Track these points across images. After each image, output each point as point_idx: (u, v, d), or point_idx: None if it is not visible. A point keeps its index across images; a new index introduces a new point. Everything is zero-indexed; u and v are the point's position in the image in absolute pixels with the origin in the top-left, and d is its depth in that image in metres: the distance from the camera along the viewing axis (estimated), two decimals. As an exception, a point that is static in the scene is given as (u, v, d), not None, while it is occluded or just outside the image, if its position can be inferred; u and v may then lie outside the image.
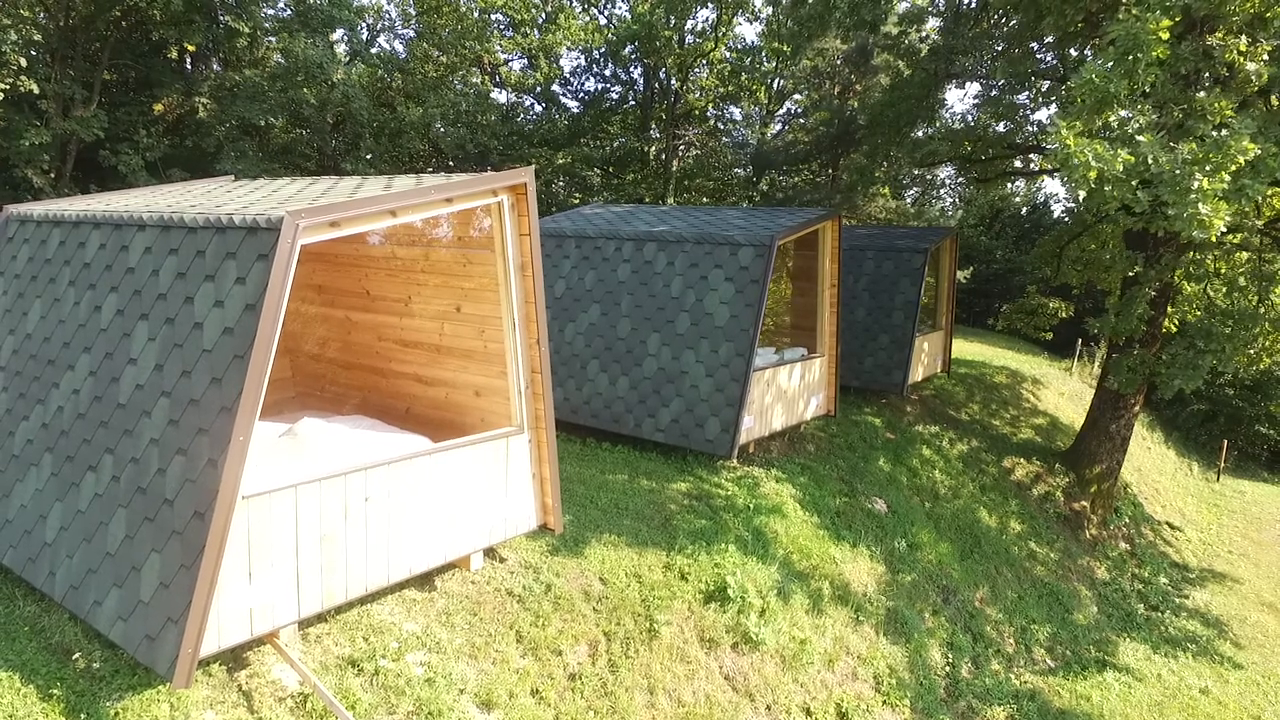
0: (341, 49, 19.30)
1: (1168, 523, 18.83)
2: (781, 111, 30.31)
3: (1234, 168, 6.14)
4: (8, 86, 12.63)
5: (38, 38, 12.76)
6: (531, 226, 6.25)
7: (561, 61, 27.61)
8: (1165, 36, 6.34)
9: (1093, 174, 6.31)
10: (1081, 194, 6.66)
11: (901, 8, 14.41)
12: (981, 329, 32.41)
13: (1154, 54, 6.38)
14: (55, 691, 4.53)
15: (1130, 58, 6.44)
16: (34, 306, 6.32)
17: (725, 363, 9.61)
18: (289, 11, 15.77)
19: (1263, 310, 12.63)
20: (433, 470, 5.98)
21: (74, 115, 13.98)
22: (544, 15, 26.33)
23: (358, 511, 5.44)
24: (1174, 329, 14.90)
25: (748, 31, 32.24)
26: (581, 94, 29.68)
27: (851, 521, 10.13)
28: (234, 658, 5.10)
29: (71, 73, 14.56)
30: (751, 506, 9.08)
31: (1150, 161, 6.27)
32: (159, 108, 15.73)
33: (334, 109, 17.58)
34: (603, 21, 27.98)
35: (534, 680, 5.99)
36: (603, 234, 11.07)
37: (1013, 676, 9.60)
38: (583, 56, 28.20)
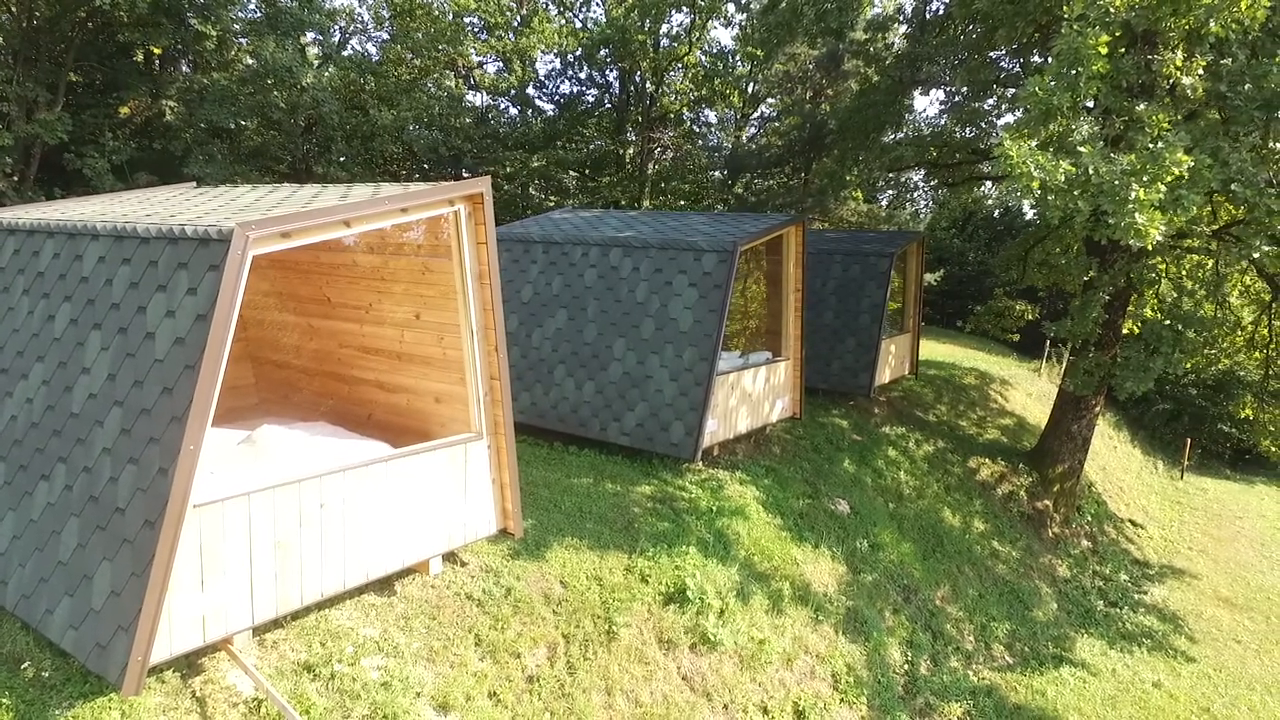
0: (313, 51, 19.20)
1: (1130, 520, 19.22)
2: (755, 115, 30.55)
3: (1169, 179, 6.39)
4: (-33, 90, 12.53)
5: (0, 41, 12.65)
6: (489, 235, 6.34)
7: (536, 65, 27.58)
8: (1104, 51, 6.56)
9: (1035, 184, 6.53)
10: (1027, 202, 6.90)
11: (869, 14, 14.60)
12: (954, 331, 32.83)
13: (1094, 68, 6.60)
14: (4, 700, 4.55)
15: (1072, 71, 6.66)
16: (-12, 315, 6.30)
17: (689, 367, 9.74)
18: (259, 14, 15.69)
19: (1214, 314, 13.00)
20: (391, 476, 6.05)
21: (37, 118, 13.84)
22: (518, 18, 26.33)
23: (313, 518, 5.50)
24: (1136, 331, 15.28)
25: (722, 35, 32.40)
26: (557, 97, 29.76)
27: (814, 523, 10.30)
28: (188, 664, 5.14)
29: (35, 73, 14.42)
30: (714, 509, 9.22)
31: (1091, 172, 6.49)
32: (125, 110, 15.60)
33: (305, 112, 17.53)
34: (578, 25, 28.04)
35: (492, 682, 6.07)
36: (570, 239, 11.17)
37: (971, 673, 9.80)
38: (557, 60, 28.26)
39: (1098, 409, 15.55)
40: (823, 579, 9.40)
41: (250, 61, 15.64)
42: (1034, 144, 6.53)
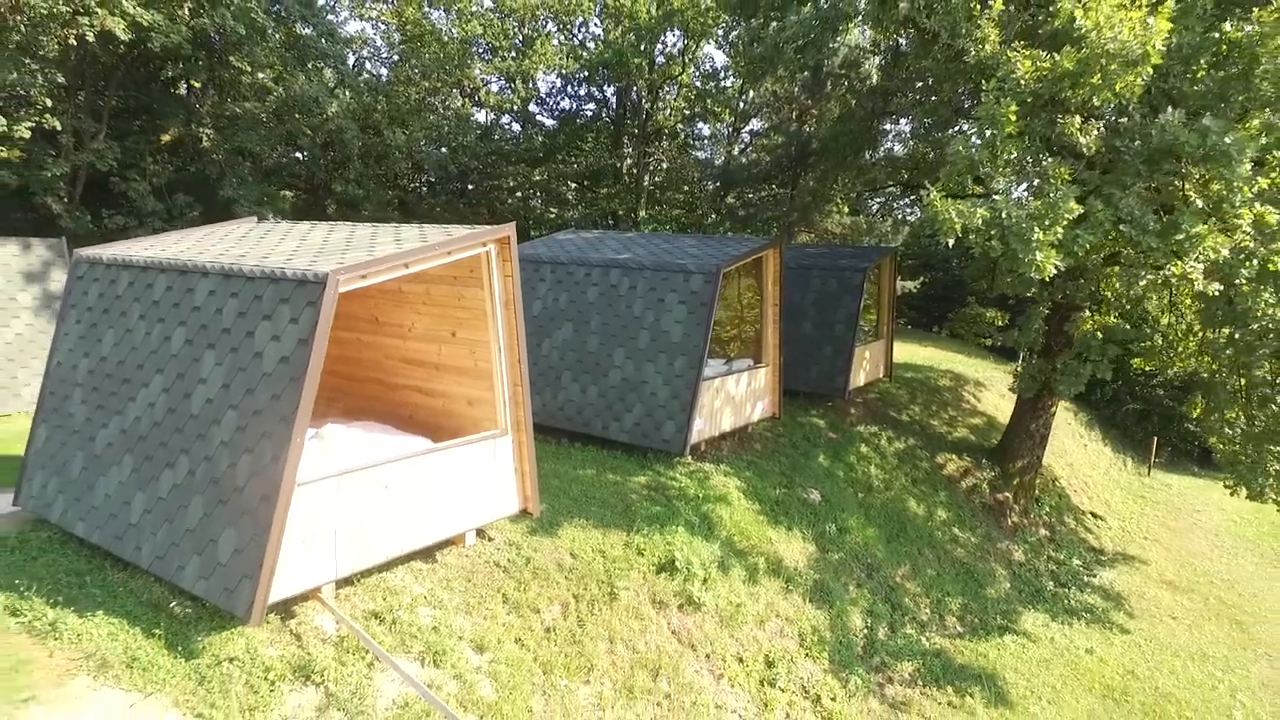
0: (329, 74, 20.66)
1: (1091, 512, 20.70)
2: (747, 129, 32.06)
3: (1064, 223, 7.85)
4: (34, 124, 13.94)
5: (61, 79, 14.07)
6: (513, 269, 7.82)
7: (538, 83, 29.03)
8: (1014, 118, 8.04)
9: (958, 226, 8.00)
10: (950, 241, 8.36)
11: (843, 53, 16.08)
12: (937, 335, 34.35)
13: (1007, 130, 8.07)
14: (156, 631, 6.01)
15: (990, 133, 8.13)
16: (107, 335, 7.76)
17: (679, 373, 11.22)
18: (285, 48, 17.12)
19: (1169, 323, 14.46)
20: (435, 464, 7.52)
21: (91, 147, 15.27)
22: (520, 38, 27.78)
23: (379, 496, 6.97)
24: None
25: (715, 54, 33.82)
26: (557, 112, 31.22)
27: (788, 509, 11.79)
28: (284, 610, 6.59)
29: (80, 100, 15.84)
30: (701, 496, 10.70)
31: (1004, 216, 7.95)
32: (166, 138, 17.04)
33: (324, 134, 18.98)
34: (577, 42, 29.49)
35: (517, 631, 7.54)
36: (574, 260, 12.64)
37: (923, 639, 11.29)
38: (558, 78, 29.71)
39: (1054, 409, 17.05)
40: (794, 556, 10.89)
41: (279, 91, 17.05)
42: (953, 194, 8.02)
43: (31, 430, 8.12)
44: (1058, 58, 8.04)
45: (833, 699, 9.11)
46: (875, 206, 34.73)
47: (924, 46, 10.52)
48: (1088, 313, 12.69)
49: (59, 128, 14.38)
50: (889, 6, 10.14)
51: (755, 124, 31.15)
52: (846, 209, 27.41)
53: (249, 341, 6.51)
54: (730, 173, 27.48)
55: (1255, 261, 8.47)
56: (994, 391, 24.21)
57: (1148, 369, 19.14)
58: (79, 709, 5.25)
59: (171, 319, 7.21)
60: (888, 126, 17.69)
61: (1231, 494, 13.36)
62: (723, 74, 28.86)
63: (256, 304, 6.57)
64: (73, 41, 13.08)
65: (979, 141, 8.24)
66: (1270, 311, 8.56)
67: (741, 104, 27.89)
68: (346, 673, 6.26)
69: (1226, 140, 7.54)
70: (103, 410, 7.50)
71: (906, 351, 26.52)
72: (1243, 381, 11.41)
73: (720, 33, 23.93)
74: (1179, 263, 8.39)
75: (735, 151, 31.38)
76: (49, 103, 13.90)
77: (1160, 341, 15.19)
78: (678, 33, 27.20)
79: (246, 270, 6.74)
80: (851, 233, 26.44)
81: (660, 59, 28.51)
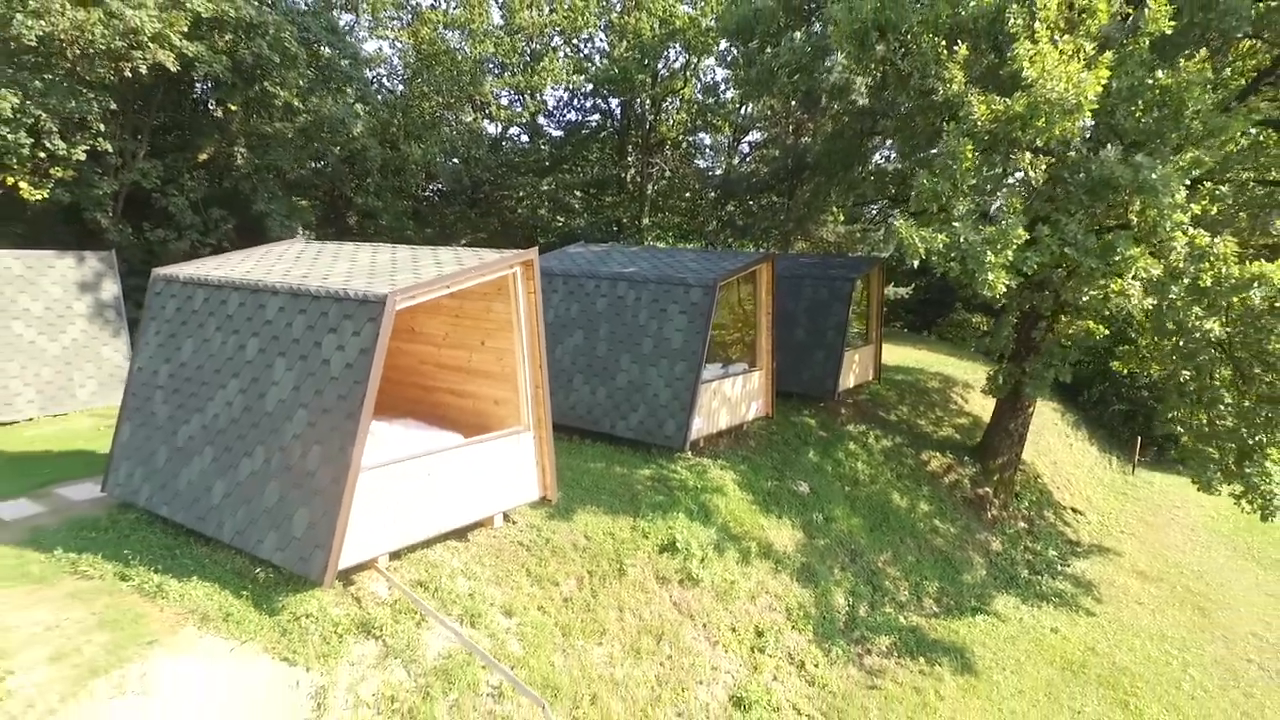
0: (350, 93, 21.90)
1: (1072, 508, 21.82)
2: (746, 140, 33.27)
3: (1014, 246, 9.03)
4: (89, 147, 15.19)
5: (114, 106, 15.30)
6: (536, 287, 9.03)
7: (545, 96, 30.22)
8: (970, 155, 9.21)
9: (921, 250, 9.18)
10: (915, 262, 9.54)
11: (834, 77, 17.24)
12: (929, 339, 35.49)
13: (965, 166, 9.25)
14: (244, 593, 7.23)
15: (950, 167, 9.31)
16: (185, 344, 8.98)
17: (680, 377, 12.42)
18: (312, 72, 18.34)
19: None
20: (469, 456, 8.74)
21: (135, 166, 16.52)
22: (529, 54, 28.99)
23: (423, 483, 8.18)
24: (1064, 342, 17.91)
25: (717, 69, 35.00)
26: (564, 123, 32.41)
27: (779, 499, 12.98)
28: (345, 577, 7.79)
29: (122, 119, 17.07)
30: (699, 487, 11.91)
31: (962, 240, 9.12)
32: (203, 157, 18.28)
33: (348, 151, 20.23)
34: (583, 55, 30.67)
35: (539, 600, 8.75)
36: (584, 273, 13.85)
37: (901, 617, 12.47)
38: (565, 92, 30.91)
39: (1031, 409, 18.22)
40: (783, 541, 12.09)
41: (305, 116, 18.28)
42: (919, 220, 9.21)
43: (117, 427, 9.33)
44: (1009, 101, 9.23)
45: (815, 665, 10.30)
46: (873, 213, 35.97)
47: (900, 83, 11.70)
48: (1065, 318, 13.82)
49: (110, 149, 15.62)
50: (867, 48, 11.32)
51: (754, 135, 32.36)
52: (842, 217, 28.57)
53: (316, 350, 7.73)
54: (730, 182, 28.68)
55: (1186, 279, 9.65)
56: (981, 393, 25.37)
57: (1127, 371, 20.29)
58: (190, 651, 6.47)
59: (245, 330, 8.43)
60: (875, 144, 18.83)
61: (1198, 489, 14.50)
62: (723, 86, 30.06)
63: (323, 319, 7.79)
64: (128, 74, 14.29)
65: (940, 176, 9.44)
66: (1199, 324, 9.72)
67: (740, 117, 29.08)
68: (399, 629, 7.47)
69: (1153, 175, 8.72)
70: (183, 409, 8.72)
71: (900, 354, 27.68)
72: (1193, 385, 12.56)
73: (721, 49, 25.08)
74: (1118, 281, 9.57)
75: (735, 161, 32.58)
76: (102, 127, 15.13)
77: (1134, 346, 16.34)
78: (679, 48, 28.41)
79: (312, 290, 7.95)
80: (846, 241, 27.61)
81: (664, 72, 29.72)
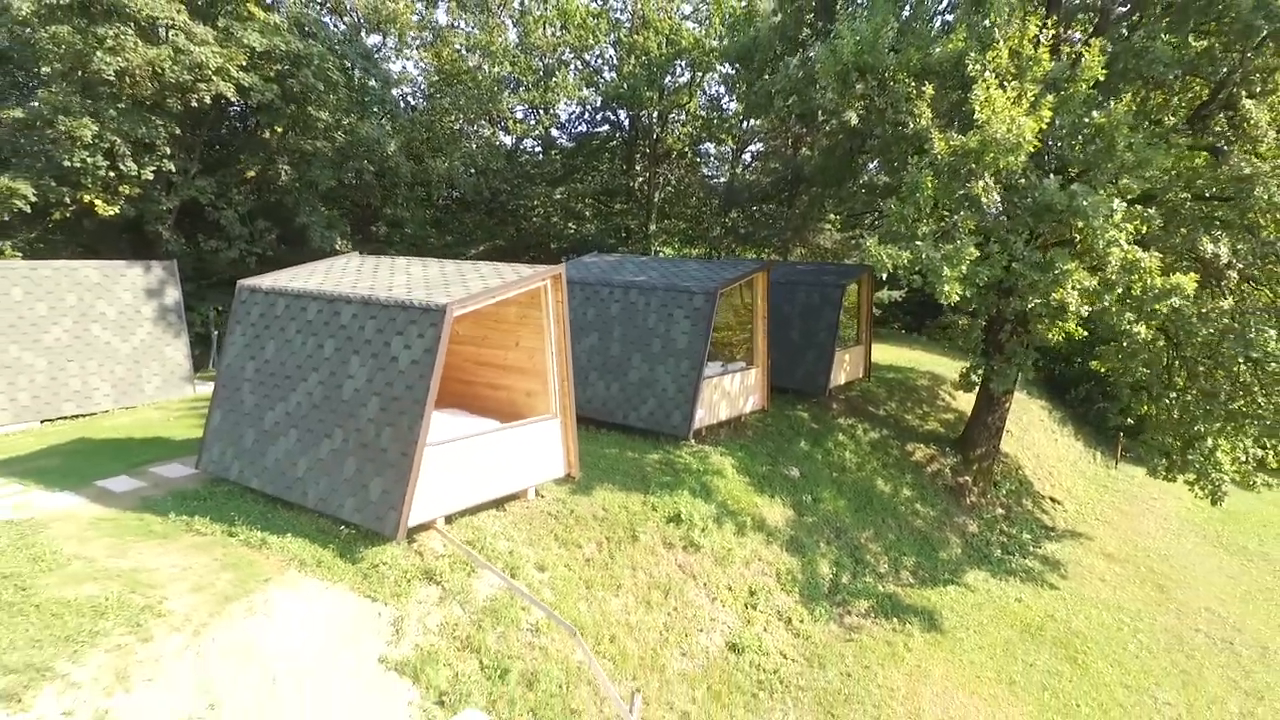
0: (377, 110, 23.64)
1: (1051, 497, 23.36)
2: (748, 150, 34.97)
3: (967, 262, 10.66)
4: (155, 167, 16.97)
5: (177, 130, 17.08)
6: (563, 297, 10.72)
7: (558, 110, 31.97)
8: (931, 185, 10.85)
9: (889, 265, 10.83)
10: (884, 274, 11.19)
11: (826, 99, 18.88)
12: (922, 340, 37.05)
13: (927, 194, 10.89)
14: (331, 545, 8.94)
15: (914, 194, 10.96)
16: (269, 344, 10.70)
17: (684, 373, 14.10)
18: (350, 96, 20.10)
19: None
20: (507, 438, 10.43)
21: (194, 184, 18.30)
22: (542, 70, 30.72)
23: (471, 459, 9.88)
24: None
25: (721, 86, 36.66)
26: (575, 135, 34.17)
27: (772, 482, 14.65)
28: (410, 536, 9.50)
29: (185, 142, 18.85)
30: (701, 469, 13.59)
31: (924, 257, 10.76)
32: (251, 174, 20.06)
33: (379, 166, 21.98)
34: (593, 68, 32.36)
35: (565, 559, 10.44)
36: (599, 281, 15.54)
37: (879, 586, 14.10)
38: (577, 105, 32.66)
39: (1008, 405, 19.83)
40: (775, 518, 13.76)
41: (340, 137, 20.03)
42: (886, 241, 10.90)
43: (209, 414, 11.05)
44: (964, 138, 10.87)
45: (801, 621, 11.97)
46: (867, 222, 37.63)
47: (878, 115, 13.34)
48: (1028, 323, 15.44)
49: (173, 169, 17.41)
50: (849, 85, 12.96)
51: (756, 146, 34.05)
52: (839, 224, 30.20)
53: (386, 349, 9.44)
54: (733, 191, 30.36)
55: (1119, 289, 11.27)
56: (951, 385, 26.88)
57: (1106, 370, 21.84)
58: (296, 588, 8.18)
59: (323, 333, 10.15)
60: (865, 161, 20.45)
61: (1149, 475, 16.05)
62: (726, 100, 31.74)
63: (391, 324, 9.50)
64: (194, 104, 16.06)
65: (905, 202, 11.11)
66: (1129, 328, 11.33)
67: (742, 130, 30.77)
68: (455, 577, 9.17)
69: (1084, 202, 10.35)
70: (269, 398, 10.45)
71: (893, 354, 29.27)
72: (1144, 381, 14.19)
73: (725, 71, 26.77)
74: (1060, 290, 11.18)
75: (738, 171, 34.27)
76: (167, 150, 16.91)
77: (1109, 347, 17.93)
78: (684, 63, 30.11)
79: (382, 300, 9.67)
80: (841, 248, 29.25)
81: (670, 86, 31.41)
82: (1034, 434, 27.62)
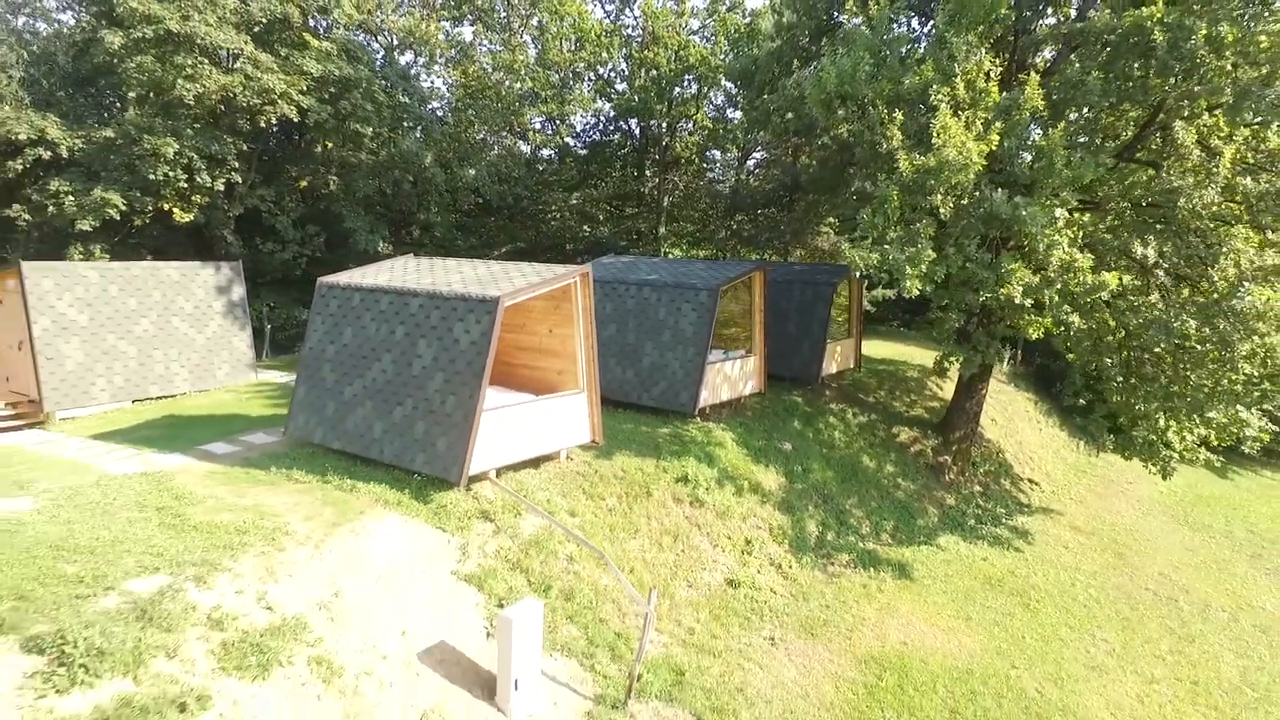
0: (411, 124, 25.87)
1: (1029, 479, 25.38)
2: (752, 157, 37.12)
3: (926, 262, 12.78)
4: (225, 180, 19.27)
5: (245, 147, 19.38)
6: (590, 291, 12.92)
7: (574, 120, 34.21)
8: (897, 198, 12.99)
9: (861, 265, 12.98)
10: (859, 273, 13.32)
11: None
12: (916, 335, 39.06)
13: (894, 206, 13.02)
14: (406, 490, 11.16)
15: (883, 206, 13.11)
16: (346, 331, 12.93)
17: (691, 359, 16.27)
18: (391, 113, 22.36)
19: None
20: (544, 408, 12.63)
21: (255, 193, 20.60)
22: (559, 83, 32.97)
23: (515, 422, 12.09)
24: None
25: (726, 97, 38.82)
26: (589, 143, 36.41)
27: (767, 454, 16.81)
28: (467, 485, 11.69)
29: (245, 149, 21.13)
30: (705, 441, 15.76)
31: (890, 259, 12.89)
32: (303, 184, 22.36)
33: (415, 175, 24.26)
34: (606, 80, 34.57)
35: (592, 509, 12.63)
36: (616, 279, 17.74)
37: (860, 543, 16.23)
38: (591, 116, 34.90)
39: (984, 391, 21.91)
40: (769, 483, 15.91)
41: (379, 151, 22.31)
42: (859, 244, 13.08)
43: (294, 388, 13.28)
44: (924, 159, 12.99)
45: (789, 567, 14.12)
46: (855, 226, 39.76)
47: (857, 136, 15.50)
48: (1025, 321, 17.49)
49: (240, 180, 19.71)
50: (833, 111, 15.11)
51: (759, 154, 36.21)
52: (836, 226, 32.32)
53: (449, 334, 11.65)
54: (738, 196, 32.53)
55: (1058, 285, 13.39)
56: (955, 381, 28.95)
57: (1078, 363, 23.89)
58: (383, 520, 10.39)
59: (394, 320, 12.37)
60: (855, 172, 22.58)
61: (1099, 451, 18.12)
62: (730, 111, 33.92)
63: (453, 313, 11.71)
64: (263, 125, 18.35)
65: (876, 213, 13.29)
66: (1069, 320, 13.43)
67: (746, 139, 32.94)
68: (505, 517, 11.38)
69: (1023, 212, 12.47)
70: (347, 375, 12.68)
71: (889, 349, 31.37)
72: (1093, 367, 16.27)
73: (728, 88, 28.95)
74: (1007, 286, 13.28)
75: (743, 176, 36.44)
76: (235, 164, 19.21)
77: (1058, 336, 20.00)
78: (692, 77, 32.30)
79: (444, 293, 11.89)
80: (838, 250, 31.45)
81: (678, 97, 33.60)
82: (1019, 423, 29.59)
